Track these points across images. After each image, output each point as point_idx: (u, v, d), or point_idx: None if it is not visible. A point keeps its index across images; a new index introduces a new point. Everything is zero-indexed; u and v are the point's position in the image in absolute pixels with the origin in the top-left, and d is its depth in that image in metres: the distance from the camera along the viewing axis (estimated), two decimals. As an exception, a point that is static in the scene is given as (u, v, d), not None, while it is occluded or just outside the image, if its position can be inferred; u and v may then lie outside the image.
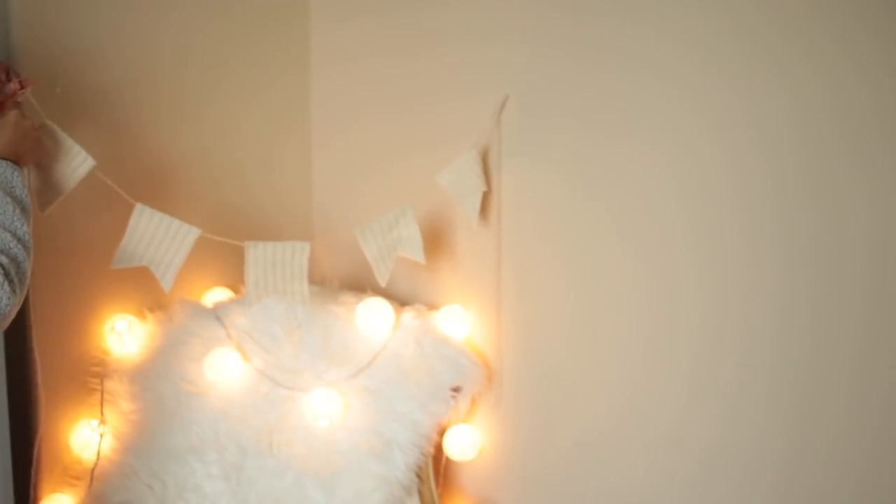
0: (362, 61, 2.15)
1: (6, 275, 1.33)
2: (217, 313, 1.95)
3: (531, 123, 1.81)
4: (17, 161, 1.50)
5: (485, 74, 1.87)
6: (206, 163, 2.07)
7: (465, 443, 1.95)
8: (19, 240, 1.39)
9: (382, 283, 1.83)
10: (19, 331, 1.74)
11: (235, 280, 2.00)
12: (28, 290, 1.78)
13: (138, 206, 1.70)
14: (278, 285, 1.77)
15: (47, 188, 1.64)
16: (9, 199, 1.42)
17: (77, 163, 1.64)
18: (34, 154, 1.58)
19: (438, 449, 1.95)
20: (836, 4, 1.37)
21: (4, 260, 1.34)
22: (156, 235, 1.70)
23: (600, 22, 1.66)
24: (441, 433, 1.94)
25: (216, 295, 2.05)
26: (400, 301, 2.03)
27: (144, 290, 1.90)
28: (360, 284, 2.05)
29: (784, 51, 1.43)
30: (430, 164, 1.87)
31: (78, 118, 1.82)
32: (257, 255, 1.76)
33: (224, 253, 1.80)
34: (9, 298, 1.32)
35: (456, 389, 1.92)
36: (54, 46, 1.79)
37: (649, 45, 1.59)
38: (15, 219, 1.41)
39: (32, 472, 1.81)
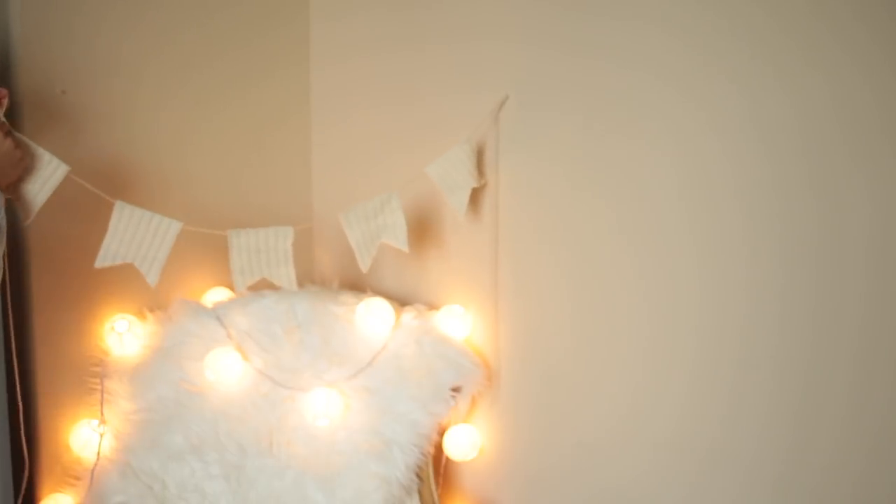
0: (362, 58, 2.15)
1: None
2: (217, 313, 1.95)
3: (530, 121, 1.80)
4: None
5: (484, 72, 1.87)
6: (205, 161, 2.07)
7: (465, 443, 1.94)
8: None
9: (364, 269, 1.82)
10: (19, 331, 1.74)
11: (236, 280, 2.00)
12: (30, 290, 1.80)
13: (118, 204, 1.70)
14: (264, 270, 1.78)
15: (26, 200, 1.64)
16: None
17: (50, 171, 1.64)
18: (14, 173, 1.57)
19: (438, 449, 1.95)
20: (836, 2, 1.37)
21: None
22: (137, 232, 1.70)
23: (599, 20, 1.66)
24: (441, 433, 1.94)
25: (216, 295, 2.05)
26: (400, 301, 2.03)
27: (144, 290, 1.89)
28: (360, 284, 2.05)
29: (784, 48, 1.43)
30: (430, 162, 1.87)
31: (72, 119, 1.83)
32: (240, 242, 1.77)
33: (224, 253, 1.80)
34: None
35: (456, 389, 1.92)
36: (54, 48, 1.79)
37: (649, 43, 1.59)
38: None
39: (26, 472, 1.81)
